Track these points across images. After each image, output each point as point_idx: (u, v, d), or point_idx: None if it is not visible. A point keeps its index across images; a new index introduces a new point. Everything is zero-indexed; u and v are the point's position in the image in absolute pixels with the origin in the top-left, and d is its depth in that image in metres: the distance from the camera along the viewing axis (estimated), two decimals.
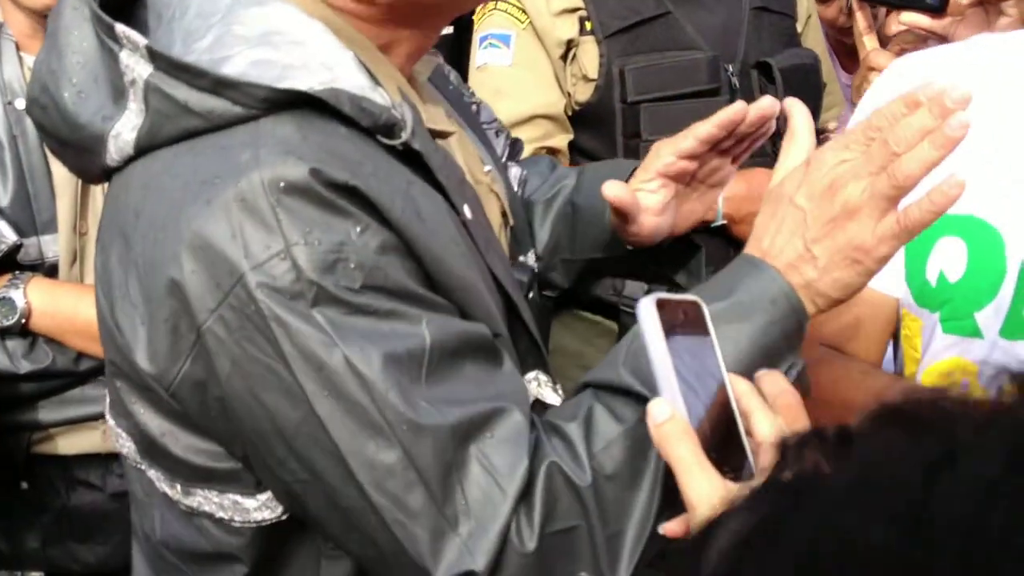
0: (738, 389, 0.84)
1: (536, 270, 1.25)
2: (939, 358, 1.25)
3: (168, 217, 0.91)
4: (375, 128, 0.94)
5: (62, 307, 1.61)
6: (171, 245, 0.90)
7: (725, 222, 1.95)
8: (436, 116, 1.11)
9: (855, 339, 1.30)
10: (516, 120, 1.94)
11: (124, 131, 0.94)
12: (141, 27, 1.00)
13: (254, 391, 0.90)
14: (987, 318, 1.19)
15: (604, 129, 1.97)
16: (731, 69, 1.98)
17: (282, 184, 0.88)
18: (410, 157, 0.97)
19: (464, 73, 2.04)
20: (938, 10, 1.46)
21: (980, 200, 1.18)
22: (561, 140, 1.98)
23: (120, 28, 0.94)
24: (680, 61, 1.94)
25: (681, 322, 0.84)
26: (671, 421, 0.80)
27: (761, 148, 2.04)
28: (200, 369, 0.91)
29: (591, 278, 1.87)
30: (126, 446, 1.03)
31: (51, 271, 1.67)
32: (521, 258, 1.23)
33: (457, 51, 2.36)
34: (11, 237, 1.63)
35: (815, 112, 2.12)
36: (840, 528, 0.41)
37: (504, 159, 1.33)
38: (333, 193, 0.89)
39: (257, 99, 0.91)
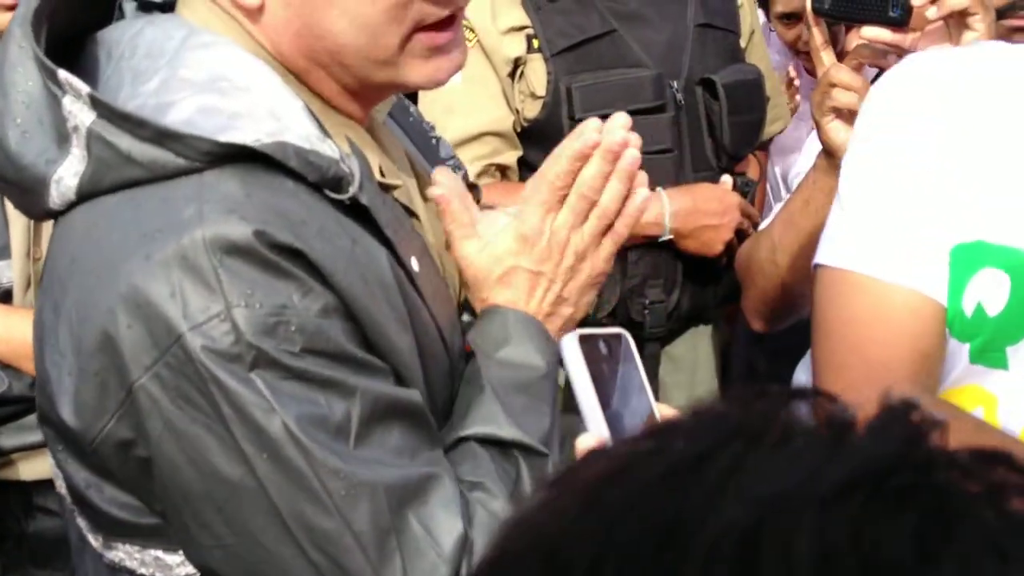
0: (666, 417, 0.86)
1: None
2: (958, 385, 1.23)
3: (105, 268, 0.90)
4: (322, 182, 0.94)
5: (16, 333, 1.60)
6: (106, 298, 0.89)
7: (672, 237, 1.98)
8: (391, 160, 1.10)
9: (930, 373, 1.22)
10: (466, 137, 1.96)
11: (66, 176, 0.93)
12: (91, 63, 0.99)
13: (187, 452, 0.90)
14: (1018, 351, 1.18)
15: (552, 145, 1.92)
16: (676, 86, 2.01)
17: (225, 244, 0.88)
18: (357, 210, 0.96)
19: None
20: (901, 24, 1.45)
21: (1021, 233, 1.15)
22: (510, 156, 2.01)
23: (63, 74, 0.92)
24: (626, 78, 1.97)
25: (605, 355, 0.85)
26: None
27: (705, 162, 2.09)
28: (126, 427, 0.90)
29: None
30: (63, 488, 1.02)
31: (5, 297, 1.67)
32: None
33: None
34: None
35: (759, 125, 2.16)
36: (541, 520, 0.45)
37: None
38: (277, 255, 0.89)
39: (201, 152, 0.90)
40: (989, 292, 1.18)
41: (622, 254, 2.00)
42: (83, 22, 1.02)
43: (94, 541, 1.00)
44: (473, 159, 1.96)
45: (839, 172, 1.52)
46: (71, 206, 0.94)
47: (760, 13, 2.73)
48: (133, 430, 0.90)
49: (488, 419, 1.02)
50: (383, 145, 1.11)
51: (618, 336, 0.88)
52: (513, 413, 1.02)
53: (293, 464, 0.89)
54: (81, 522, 1.01)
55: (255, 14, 0.98)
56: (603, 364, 0.84)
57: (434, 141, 1.33)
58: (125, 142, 0.90)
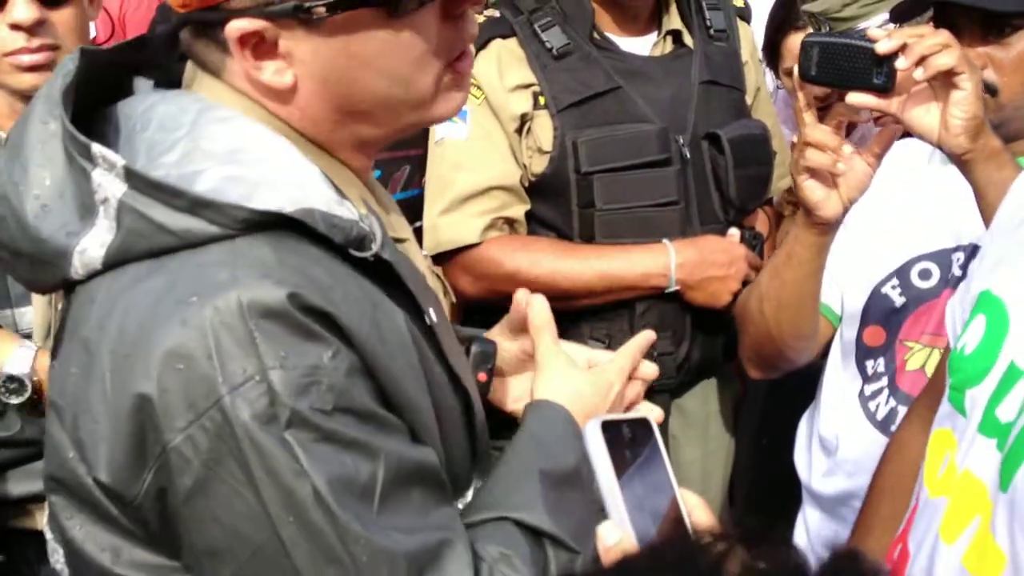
0: (689, 503, 0.86)
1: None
2: (941, 424, 1.29)
3: (139, 334, 0.92)
4: (347, 243, 0.97)
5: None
6: (142, 362, 0.91)
7: (678, 288, 1.99)
8: (392, 218, 1.15)
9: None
10: (474, 192, 2.00)
11: (91, 247, 0.95)
12: (103, 136, 1.01)
13: (214, 511, 0.92)
14: (973, 399, 1.22)
15: (560, 199, 2.03)
16: (682, 140, 2.04)
17: (260, 307, 0.90)
18: (377, 268, 0.99)
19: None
20: (885, 90, 1.47)
21: (1009, 287, 1.23)
22: (518, 210, 2.04)
23: (96, 148, 0.95)
24: (631, 133, 2.00)
25: (628, 440, 0.86)
26: (619, 545, 0.80)
27: (713, 216, 2.11)
28: (163, 480, 0.92)
29: None
30: (60, 562, 1.04)
31: None
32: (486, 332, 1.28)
33: None
34: None
35: (766, 179, 2.18)
36: None
37: None
38: (308, 318, 0.92)
39: (236, 220, 0.93)
40: (973, 334, 1.25)
41: (629, 306, 2.02)
42: (96, 97, 1.06)
43: None
44: (482, 213, 2.00)
45: (817, 228, 1.57)
46: (93, 275, 0.97)
47: (769, 75, 2.77)
48: (167, 483, 0.92)
49: (528, 506, 1.05)
50: (381, 201, 1.15)
51: (642, 421, 0.88)
52: (551, 506, 1.05)
53: (318, 528, 0.91)
54: None
55: (286, 95, 1.02)
56: (626, 450, 0.85)
57: None
58: (159, 212, 0.93)
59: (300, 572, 0.92)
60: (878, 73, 1.47)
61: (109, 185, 0.94)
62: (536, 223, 2.06)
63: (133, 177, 0.94)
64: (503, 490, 1.08)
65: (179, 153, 0.97)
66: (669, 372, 2.06)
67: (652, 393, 2.08)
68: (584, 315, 2.03)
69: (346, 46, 0.99)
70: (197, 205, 0.93)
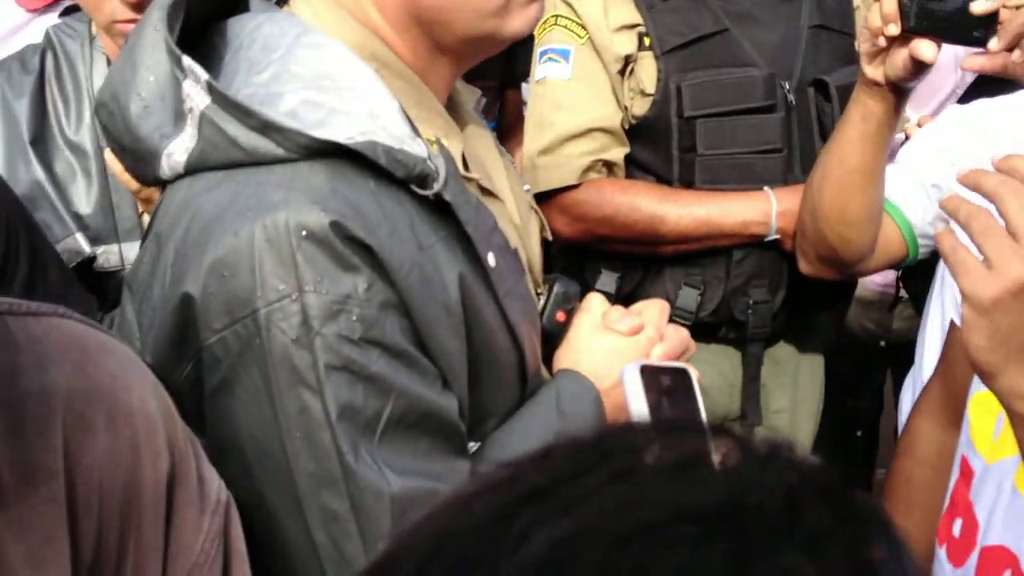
0: None
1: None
2: (980, 388, 1.28)
3: (199, 237, 0.99)
4: (408, 179, 1.00)
5: None
6: (194, 263, 0.98)
7: (778, 237, 1.97)
8: (476, 146, 1.17)
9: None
10: (573, 133, 1.98)
11: (177, 151, 1.02)
12: (216, 50, 1.08)
13: (233, 410, 0.99)
14: None
15: (660, 143, 2.00)
16: (787, 86, 2.00)
17: (305, 230, 0.95)
18: (439, 207, 1.03)
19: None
20: (983, 43, 1.48)
21: None
22: (617, 153, 2.02)
23: (186, 61, 1.01)
24: (737, 77, 1.97)
25: (667, 387, 0.86)
26: None
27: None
28: (198, 373, 1.00)
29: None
30: None
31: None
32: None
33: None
34: (87, 249, 1.69)
35: None
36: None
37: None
38: (348, 247, 0.96)
39: (298, 145, 0.98)
40: None
41: (726, 252, 2.00)
42: (216, 12, 1.12)
43: None
44: (581, 154, 1.99)
45: (866, 87, 1.64)
46: (179, 177, 1.04)
47: None
48: (200, 376, 1.00)
49: None
50: (469, 131, 1.18)
51: (681, 371, 0.88)
52: None
53: (322, 446, 0.96)
54: None
55: None
56: (664, 397, 0.85)
57: None
58: (232, 128, 0.99)
59: (297, 487, 0.97)
60: (977, 27, 1.45)
61: (196, 96, 1.00)
62: (634, 167, 2.04)
63: (215, 92, 1.00)
64: (509, 449, 1.08)
65: (270, 73, 1.03)
66: (765, 321, 2.04)
67: (747, 342, 2.09)
68: (679, 260, 2.02)
69: None
70: (266, 127, 0.98)
